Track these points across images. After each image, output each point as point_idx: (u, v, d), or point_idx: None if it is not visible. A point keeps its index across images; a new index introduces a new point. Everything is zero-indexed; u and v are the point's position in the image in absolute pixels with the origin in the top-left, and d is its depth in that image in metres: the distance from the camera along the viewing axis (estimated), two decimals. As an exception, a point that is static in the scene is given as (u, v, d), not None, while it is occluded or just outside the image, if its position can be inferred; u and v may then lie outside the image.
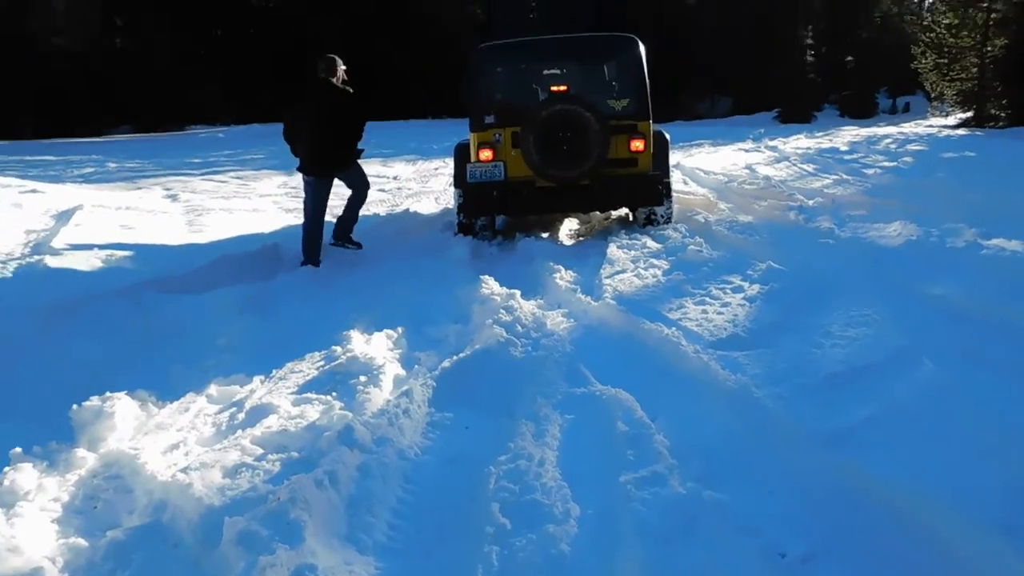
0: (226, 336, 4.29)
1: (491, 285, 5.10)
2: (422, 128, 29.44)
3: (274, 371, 3.89)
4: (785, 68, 40.71)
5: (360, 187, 7.10)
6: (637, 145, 7.03)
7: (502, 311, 4.41)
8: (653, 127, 7.19)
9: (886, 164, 13.21)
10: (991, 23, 31.48)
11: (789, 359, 3.60)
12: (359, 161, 6.91)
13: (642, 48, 7.22)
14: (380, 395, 3.42)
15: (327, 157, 6.54)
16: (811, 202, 8.68)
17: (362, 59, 35.57)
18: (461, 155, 7.44)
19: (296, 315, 4.92)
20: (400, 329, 4.58)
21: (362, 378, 3.58)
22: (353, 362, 3.76)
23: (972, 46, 32.13)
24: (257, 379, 3.80)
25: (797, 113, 37.28)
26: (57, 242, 5.89)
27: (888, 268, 5.27)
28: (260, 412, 3.30)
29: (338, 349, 4.05)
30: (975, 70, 31.92)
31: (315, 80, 6.50)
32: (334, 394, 3.48)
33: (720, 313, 4.39)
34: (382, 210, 9.86)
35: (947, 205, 7.76)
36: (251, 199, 10.68)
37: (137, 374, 3.71)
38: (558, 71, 7.50)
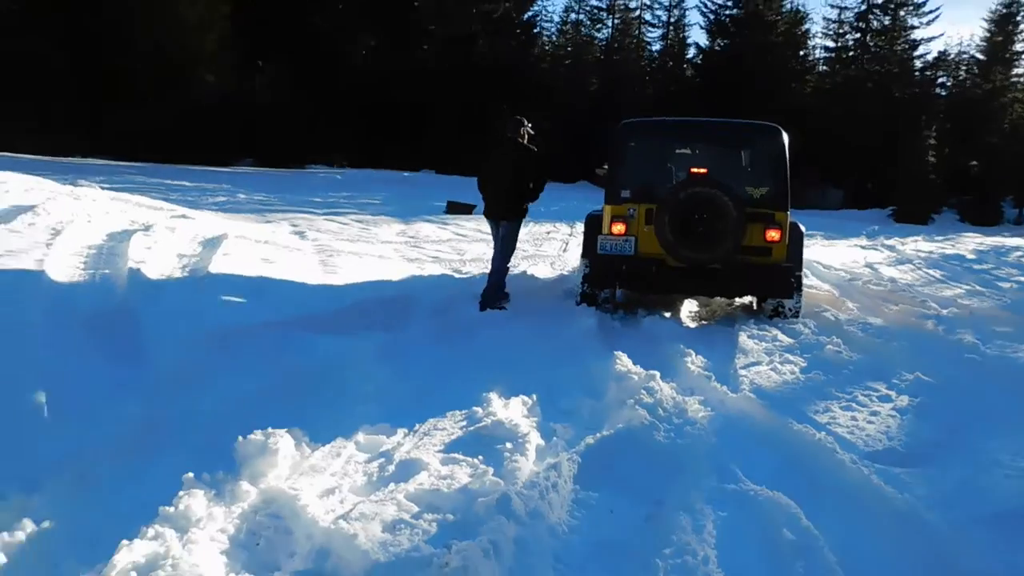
0: (371, 384, 4.38)
1: (625, 362, 5.05)
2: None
3: (417, 425, 3.93)
4: (904, 166, 39.69)
5: (506, 247, 7.50)
6: (773, 235, 6.92)
7: (643, 391, 4.35)
8: (790, 218, 7.09)
9: (1022, 279, 12.60)
10: None
11: (957, 483, 3.40)
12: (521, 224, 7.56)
13: (786, 138, 7.17)
14: (527, 465, 3.40)
15: (500, 206, 7.51)
16: (945, 311, 8.30)
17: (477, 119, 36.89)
18: (592, 225, 7.49)
19: (432, 369, 4.99)
20: (534, 397, 4.57)
21: (508, 445, 3.58)
22: (498, 427, 3.77)
23: None
24: (401, 431, 3.84)
25: (913, 213, 36.16)
26: (211, 268, 6.21)
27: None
28: (410, 467, 3.33)
29: (479, 411, 4.07)
30: None
31: (503, 139, 7.45)
32: (481, 458, 3.48)
33: (871, 422, 4.21)
34: (500, 269, 10.00)
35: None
36: (374, 244, 11.03)
37: (288, 413, 3.81)
38: (699, 154, 7.51)
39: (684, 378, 5.12)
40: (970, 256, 17.29)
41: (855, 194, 38.86)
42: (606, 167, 8.45)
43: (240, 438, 3.27)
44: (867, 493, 3.21)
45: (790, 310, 7.22)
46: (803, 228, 7.38)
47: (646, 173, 7.41)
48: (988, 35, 43.22)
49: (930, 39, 67.47)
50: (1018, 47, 43.42)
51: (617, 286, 7.34)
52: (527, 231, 15.96)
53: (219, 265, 6.55)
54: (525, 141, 7.41)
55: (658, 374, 4.66)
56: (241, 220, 12.31)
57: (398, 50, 36.78)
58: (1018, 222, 45.60)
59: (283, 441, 3.28)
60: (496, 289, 7.44)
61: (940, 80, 44.54)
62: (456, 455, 3.50)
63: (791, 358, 5.51)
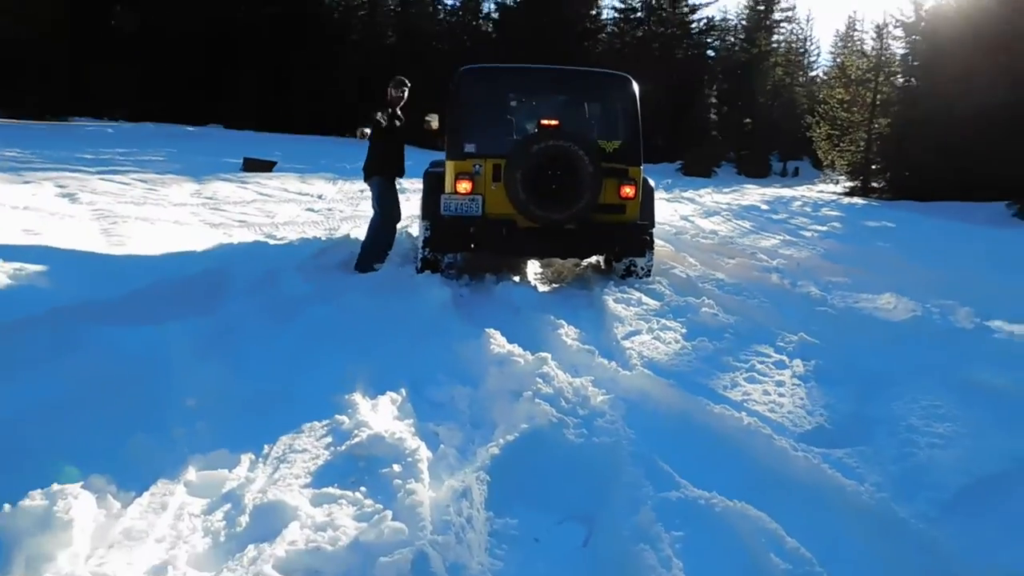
0: (193, 390, 3.35)
1: (500, 341, 4.38)
2: (324, 145, 28.26)
3: (266, 447, 3.01)
4: (690, 124, 42.15)
5: (377, 209, 7.31)
6: (628, 191, 6.51)
7: (538, 380, 3.68)
8: (642, 174, 6.71)
9: (819, 228, 13.41)
10: (877, 103, 33.73)
11: (897, 462, 3.07)
12: (386, 186, 7.26)
13: (636, 88, 6.74)
14: (425, 493, 2.62)
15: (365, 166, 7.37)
16: (775, 262, 8.45)
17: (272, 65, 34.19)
18: (432, 183, 6.69)
19: (267, 362, 4.01)
20: (403, 392, 3.78)
21: (395, 467, 2.77)
22: (376, 442, 2.94)
23: (861, 122, 34.31)
24: (246, 458, 2.90)
25: (699, 167, 38.55)
26: (-54, 248, 4.70)
27: (915, 348, 4.90)
28: (270, 514, 2.44)
29: (344, 419, 3.22)
30: (862, 144, 34.07)
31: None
32: (364, 489, 2.66)
33: (783, 395, 3.84)
34: (320, 233, 8.92)
35: (914, 279, 7.65)
36: (166, 207, 9.47)
37: (83, 445, 2.75)
38: (546, 104, 6.91)
39: (563, 355, 4.53)
40: (764, 207, 18.41)
41: (646, 150, 40.61)
42: (434, 117, 7.65)
43: (6, 507, 2.20)
44: (828, 489, 2.78)
45: (642, 269, 6.89)
46: (653, 183, 7.05)
47: (491, 125, 6.69)
48: (752, 3, 47.01)
49: (705, 4, 71.87)
50: (776, 16, 47.62)
51: (464, 250, 6.62)
52: (336, 188, 14.78)
53: (-39, 241, 5.04)
54: (403, 102, 7.24)
55: (549, 356, 4.01)
56: (-10, 181, 10.16)
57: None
58: (783, 174, 50.30)
59: (78, 502, 2.25)
60: (365, 251, 7.06)
61: (713, 44, 47.65)
62: (330, 489, 2.65)
63: (668, 324, 5.10)
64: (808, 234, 12.43)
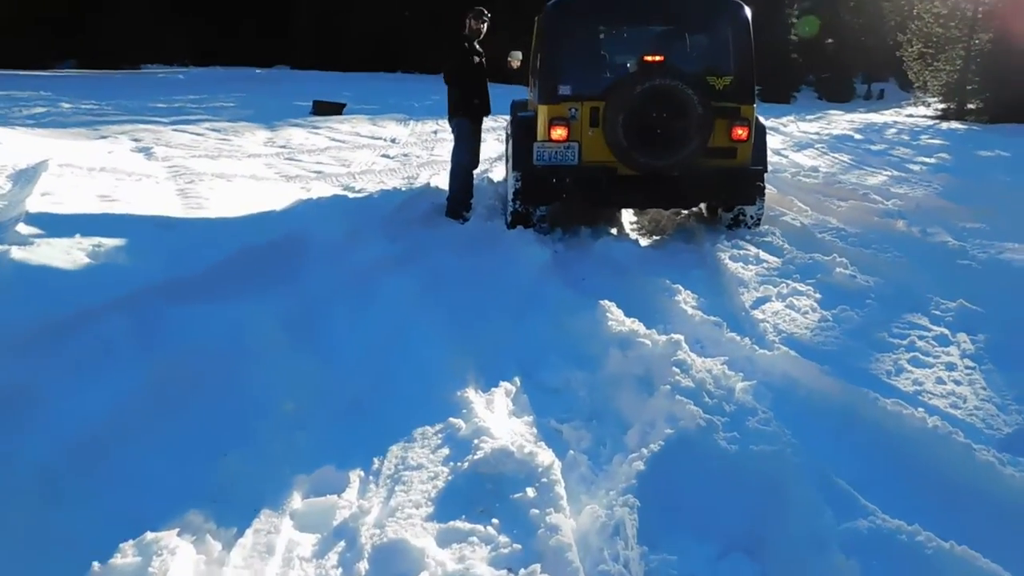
0: (284, 392, 2.98)
1: (619, 316, 3.90)
2: (390, 82, 27.72)
3: (376, 461, 2.63)
4: (768, 45, 39.90)
5: (455, 149, 6.91)
6: (740, 133, 5.85)
7: (675, 370, 3.21)
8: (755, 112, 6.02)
9: (926, 160, 12.36)
10: (979, 15, 31.13)
11: None
12: (472, 128, 6.90)
13: (749, 14, 6.00)
14: (567, 525, 2.21)
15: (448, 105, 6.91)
16: (889, 203, 7.68)
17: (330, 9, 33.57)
18: (521, 129, 6.15)
19: (360, 346, 3.64)
20: (516, 381, 3.36)
21: (528, 492, 2.37)
22: (502, 458, 2.53)
23: (959, 37, 31.80)
24: (355, 477, 2.53)
25: (777, 93, 36.65)
26: (22, 220, 4.44)
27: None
28: (392, 558, 2.07)
29: (459, 423, 2.82)
30: (959, 62, 31.64)
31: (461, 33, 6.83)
32: (496, 522, 2.26)
33: (961, 384, 3.28)
34: (399, 182, 8.51)
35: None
36: (241, 160, 9.18)
37: (174, 470, 2.43)
38: (648, 37, 6.22)
39: (685, 326, 4.03)
40: (858, 137, 17.17)
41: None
42: (516, 55, 7.07)
43: (95, 567, 1.87)
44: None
45: (752, 218, 6.27)
46: (765, 123, 6.35)
47: (587, 64, 6.06)
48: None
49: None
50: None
51: (558, 201, 6.11)
52: (409, 131, 14.33)
53: (38, 210, 4.78)
54: (481, 35, 6.81)
55: (682, 339, 3.52)
56: (68, 137, 10.05)
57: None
58: (868, 97, 47.58)
59: (175, 557, 1.91)
60: (454, 198, 6.81)
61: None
62: (458, 523, 2.26)
63: (798, 287, 4.53)
64: (916, 168, 11.44)
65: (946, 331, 3.84)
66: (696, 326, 4.05)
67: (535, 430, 2.95)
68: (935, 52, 32.27)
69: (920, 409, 2.92)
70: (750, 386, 3.26)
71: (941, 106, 33.11)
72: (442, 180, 8.18)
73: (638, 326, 3.76)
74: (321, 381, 3.18)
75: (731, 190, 5.98)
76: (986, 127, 23.57)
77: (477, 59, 6.77)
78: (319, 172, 8.70)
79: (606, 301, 4.03)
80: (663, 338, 3.52)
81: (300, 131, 12.88)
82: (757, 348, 3.66)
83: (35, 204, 4.91)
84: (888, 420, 2.89)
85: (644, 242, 6.17)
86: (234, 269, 4.41)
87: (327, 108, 16.46)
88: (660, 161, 5.64)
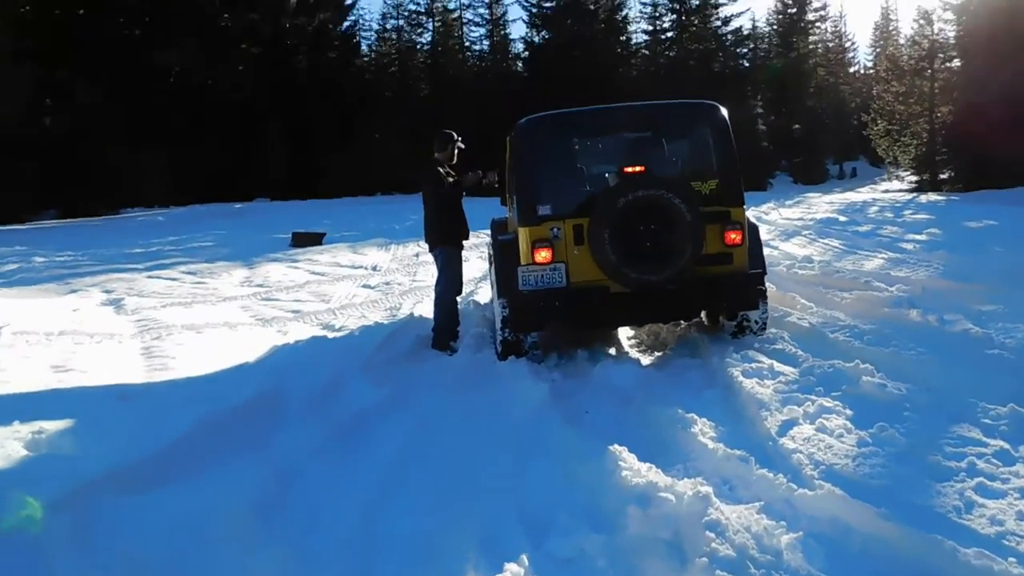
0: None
1: (634, 464, 3.43)
2: (369, 205, 27.91)
3: None
4: (739, 136, 40.70)
5: (442, 279, 6.64)
6: (734, 237, 5.54)
7: (709, 534, 2.72)
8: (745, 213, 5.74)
9: (917, 238, 12.18)
10: (936, 91, 32.11)
11: None
12: (454, 255, 6.67)
13: (726, 115, 5.80)
14: None
15: (428, 232, 6.74)
16: (894, 289, 7.33)
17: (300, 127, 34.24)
18: (504, 253, 5.83)
19: (340, 526, 3.13)
20: (524, 558, 2.85)
21: None
22: None
23: (921, 112, 32.68)
24: None
25: (754, 181, 37.24)
26: (-41, 409, 3.98)
27: None
28: None
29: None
30: (925, 136, 32.37)
31: (430, 159, 6.66)
32: None
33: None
34: (381, 314, 8.13)
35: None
36: (215, 305, 8.80)
37: None
38: (624, 147, 6.01)
39: (709, 465, 3.58)
40: (842, 219, 17.10)
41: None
42: (493, 176, 6.86)
43: None
44: None
45: (756, 323, 5.89)
46: (756, 223, 6.07)
47: (565, 180, 5.80)
48: (783, 6, 45.86)
49: (738, 14, 70.94)
50: (810, 16, 46.33)
51: (548, 327, 5.72)
52: (391, 255, 14.11)
53: (-21, 394, 4.34)
54: (454, 160, 6.69)
55: (712, 492, 3.04)
56: (34, 295, 9.68)
57: (212, 67, 33.37)
58: (841, 176, 48.49)
59: None
60: (440, 328, 6.51)
61: (748, 55, 46.45)
62: None
63: (824, 403, 4.08)
64: (910, 247, 11.22)
65: (1005, 445, 3.39)
66: (720, 463, 3.57)
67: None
68: (900, 128, 33.05)
69: (1012, 559, 2.43)
70: (797, 540, 2.78)
71: (914, 179, 33.64)
72: (426, 308, 7.81)
73: (657, 475, 3.28)
74: (292, 572, 2.66)
75: (732, 297, 5.62)
76: (964, 196, 23.78)
77: (451, 184, 6.54)
78: (297, 312, 8.32)
79: (616, 446, 3.55)
80: (689, 491, 3.04)
81: (278, 267, 12.61)
82: (795, 487, 3.18)
83: (-23, 386, 4.47)
84: (976, 582, 2.39)
85: (646, 360, 5.75)
86: (198, 441, 3.93)
87: (306, 239, 16.31)
88: (653, 275, 5.29)
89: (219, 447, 3.92)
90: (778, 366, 4.89)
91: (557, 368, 5.62)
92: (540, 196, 5.53)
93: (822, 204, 23.94)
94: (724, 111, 5.78)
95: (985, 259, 9.32)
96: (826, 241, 12.75)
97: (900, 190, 31.42)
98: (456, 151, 6.67)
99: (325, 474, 3.70)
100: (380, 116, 35.71)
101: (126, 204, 31.89)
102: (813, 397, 4.20)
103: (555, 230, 5.47)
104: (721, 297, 5.59)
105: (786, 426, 3.86)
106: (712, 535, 2.70)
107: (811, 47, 48.29)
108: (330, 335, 7.02)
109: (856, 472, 3.27)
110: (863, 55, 52.19)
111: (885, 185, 36.75)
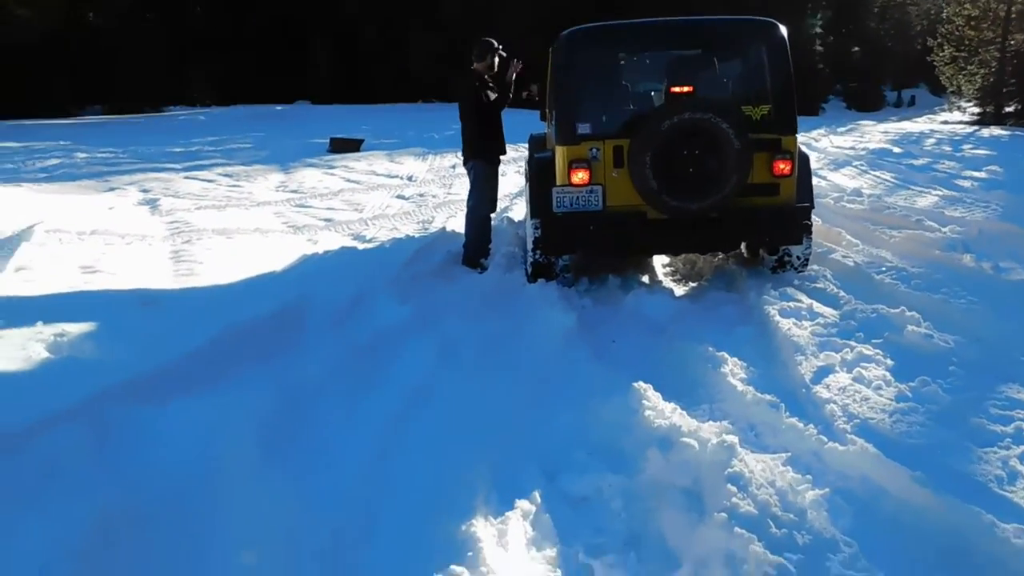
0: (248, 537, 2.43)
1: (657, 404, 3.30)
2: (409, 113, 27.43)
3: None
4: (794, 57, 39.00)
5: (472, 194, 6.46)
6: (783, 167, 5.24)
7: (730, 487, 2.60)
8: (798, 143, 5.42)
9: (976, 175, 11.59)
10: (1012, 15, 30.17)
11: None
12: (488, 171, 6.42)
13: (785, 35, 5.41)
14: None
15: (463, 146, 6.52)
16: (947, 230, 6.98)
17: (346, 35, 33.55)
18: (539, 172, 5.61)
19: (350, 459, 3.06)
20: (536, 495, 2.78)
21: None
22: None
23: (992, 39, 30.83)
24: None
25: (805, 105, 35.79)
26: (-16, 306, 3.98)
27: None
28: None
29: (462, 572, 2.25)
30: (995, 65, 30.63)
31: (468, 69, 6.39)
32: None
33: (1093, 492, 2.63)
34: (413, 227, 8.01)
35: None
36: (248, 209, 8.76)
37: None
38: (673, 66, 5.66)
39: (736, 409, 3.45)
40: (896, 150, 16.39)
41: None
42: (535, 88, 6.59)
43: None
44: None
45: (798, 259, 5.65)
46: (805, 151, 5.74)
47: (607, 98, 5.50)
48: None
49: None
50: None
51: (584, 251, 5.55)
52: (427, 166, 13.89)
53: (5, 292, 4.33)
54: (495, 70, 6.34)
55: (737, 442, 2.91)
56: (74, 192, 9.74)
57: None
58: (898, 104, 46.42)
59: None
60: (471, 245, 6.37)
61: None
62: None
63: (864, 350, 3.89)
64: (967, 184, 10.69)
65: (1060, 410, 3.19)
66: (748, 407, 3.44)
67: (559, 573, 2.37)
68: (968, 55, 31.31)
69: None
70: (823, 498, 2.65)
71: (976, 110, 32.08)
72: (459, 223, 7.65)
73: (681, 418, 3.16)
74: (294, 513, 2.61)
75: (775, 231, 5.37)
76: (1036, 131, 22.62)
77: (490, 96, 6.28)
78: (329, 220, 8.24)
79: (641, 384, 3.42)
80: (713, 438, 2.91)
81: (314, 172, 12.50)
82: (826, 440, 3.04)
83: (4, 284, 4.46)
84: (1014, 558, 2.25)
85: (679, 291, 5.58)
86: (218, 353, 3.89)
87: (344, 145, 16.14)
88: (694, 204, 5.05)
89: (237, 360, 3.88)
90: (817, 307, 4.68)
91: (587, 294, 5.48)
92: (580, 114, 5.26)
93: (876, 133, 22.99)
94: (783, 31, 5.38)
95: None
96: (877, 173, 12.22)
97: (961, 122, 30.04)
98: (497, 61, 6.38)
99: (339, 400, 3.61)
100: (425, 20, 34.73)
101: (169, 102, 31.90)
102: (852, 343, 4.01)
103: (594, 151, 5.23)
104: (764, 230, 5.34)
105: (821, 373, 3.69)
106: (734, 488, 2.59)
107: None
108: (360, 246, 6.93)
109: (892, 429, 3.11)
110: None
111: (945, 116, 35.17)
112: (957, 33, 31.70)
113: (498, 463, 3.04)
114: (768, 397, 3.45)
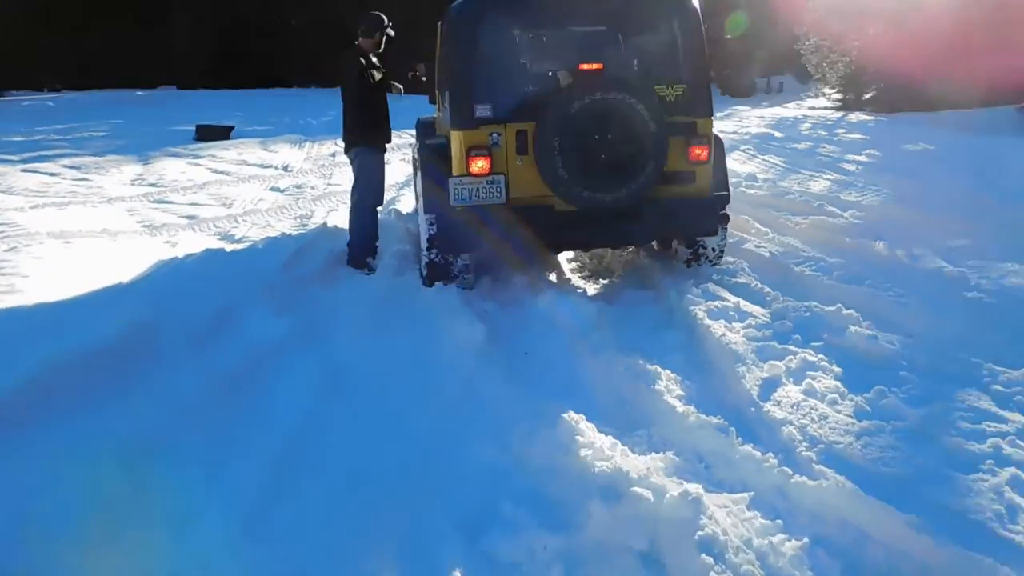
0: None
1: (589, 435, 2.77)
2: (285, 99, 25.93)
3: None
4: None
5: (355, 186, 5.77)
6: (699, 153, 4.82)
7: (705, 558, 2.08)
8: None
9: (858, 159, 11.75)
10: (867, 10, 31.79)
11: None
12: (373, 158, 5.74)
13: (699, 7, 4.98)
14: None
15: (344, 133, 5.78)
16: (847, 215, 6.87)
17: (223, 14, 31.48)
18: (433, 160, 4.97)
19: (203, 535, 2.37)
20: (457, 567, 2.19)
21: None
22: None
23: (851, 28, 32.37)
24: None
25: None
26: None
27: None
28: None
29: None
30: (854, 54, 32.17)
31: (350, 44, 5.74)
32: None
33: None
34: (290, 223, 7.18)
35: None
36: (96, 207, 7.65)
37: None
38: (578, 40, 5.13)
39: (678, 434, 2.96)
40: (777, 134, 16.63)
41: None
42: (422, 68, 5.95)
43: None
44: None
45: (713, 250, 5.30)
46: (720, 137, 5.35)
47: (507, 77, 4.91)
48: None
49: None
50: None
51: (484, 249, 4.95)
52: (304, 154, 12.92)
53: None
54: (381, 48, 5.72)
55: (701, 491, 2.39)
56: None
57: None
58: (767, 91, 48.28)
59: None
60: (356, 243, 5.70)
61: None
62: None
63: (808, 356, 3.50)
64: (851, 167, 10.79)
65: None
66: (692, 432, 2.96)
67: None
68: (831, 44, 32.74)
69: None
70: (803, 552, 2.19)
71: (839, 96, 33.65)
72: (341, 218, 6.91)
73: (624, 459, 2.64)
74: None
75: (694, 223, 4.94)
76: (891, 117, 23.72)
77: (376, 76, 5.58)
78: (192, 217, 7.28)
79: (572, 414, 2.88)
80: (671, 488, 2.39)
81: (177, 163, 11.32)
82: (790, 472, 2.59)
83: None
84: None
85: (592, 290, 5.08)
86: (29, 399, 3.04)
87: (212, 133, 14.84)
88: (608, 194, 4.55)
89: (55, 410, 3.04)
90: (745, 305, 4.28)
91: (491, 297, 4.90)
92: (478, 94, 4.64)
93: (753, 118, 23.43)
94: (696, 2, 4.94)
95: (932, 186, 8.91)
96: (766, 158, 12.23)
97: (826, 107, 31.32)
98: (384, 39, 5.68)
99: (192, 459, 2.87)
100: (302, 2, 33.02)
101: (13, 86, 28.91)
102: (793, 348, 3.61)
103: (494, 136, 4.63)
104: (683, 223, 4.91)
105: (768, 386, 3.26)
106: (708, 559, 2.07)
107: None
108: (228, 247, 6.06)
109: (863, 455, 2.69)
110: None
111: (811, 102, 36.61)
112: (821, 23, 33.08)
113: (405, 527, 2.42)
114: (714, 419, 2.98)
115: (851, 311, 3.93)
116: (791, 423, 2.93)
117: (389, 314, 4.45)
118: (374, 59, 5.65)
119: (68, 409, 3.02)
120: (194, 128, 15.13)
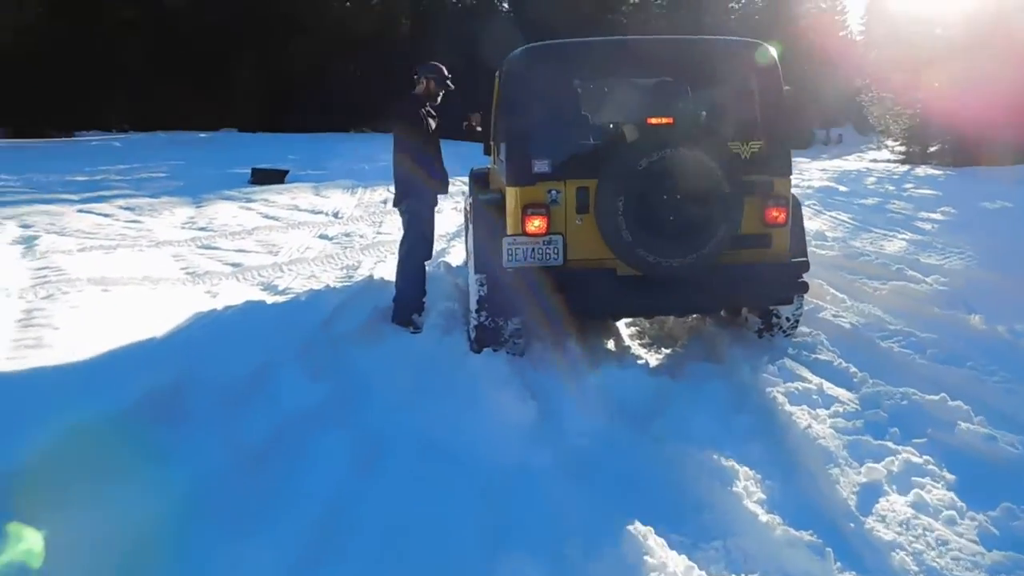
0: None
1: (661, 556, 2.34)
2: (340, 143, 26.18)
3: None
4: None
5: (404, 240, 5.52)
6: (776, 215, 4.41)
7: None
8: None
9: (933, 216, 11.14)
10: (931, 61, 31.04)
11: None
12: (426, 213, 5.49)
13: (777, 60, 4.61)
14: None
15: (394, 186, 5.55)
16: (930, 280, 6.33)
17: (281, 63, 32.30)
18: (486, 217, 4.65)
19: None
20: None
21: None
22: None
23: (915, 82, 31.59)
24: None
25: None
26: None
27: None
28: None
29: None
30: (919, 106, 31.34)
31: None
32: None
33: None
34: (335, 275, 6.92)
35: None
36: (143, 251, 7.53)
37: None
38: (646, 94, 4.80)
39: (761, 550, 2.53)
40: (842, 188, 16.07)
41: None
42: (477, 117, 5.69)
43: None
44: None
45: (788, 320, 4.83)
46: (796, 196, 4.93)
47: (567, 130, 4.59)
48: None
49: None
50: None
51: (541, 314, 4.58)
52: (356, 200, 12.81)
53: None
54: (438, 100, 5.46)
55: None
56: (-64, 227, 8.33)
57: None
58: (827, 142, 47.48)
59: None
60: (402, 299, 5.42)
61: (738, 8, 45.06)
62: None
63: (912, 458, 3.02)
64: (927, 226, 10.20)
65: None
66: (779, 550, 2.50)
67: None
68: (895, 96, 31.96)
69: None
70: None
71: (903, 149, 32.71)
72: (389, 270, 6.63)
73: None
74: None
75: (768, 291, 4.50)
76: (960, 171, 22.89)
77: (431, 125, 5.35)
78: (237, 265, 7.09)
79: (639, 525, 2.46)
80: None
81: (230, 207, 11.28)
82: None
83: None
84: None
85: (654, 361, 4.66)
86: (41, 472, 2.76)
87: (267, 176, 14.93)
88: (675, 259, 4.15)
89: (62, 485, 2.75)
90: (829, 387, 3.81)
91: (542, 366, 4.50)
92: (536, 149, 4.32)
93: (814, 171, 22.84)
94: (774, 53, 4.58)
95: (1015, 247, 8.30)
96: (833, 214, 11.70)
97: (889, 160, 30.50)
98: (442, 93, 5.45)
99: (209, 545, 2.54)
100: (359, 52, 33.70)
101: (82, 127, 29.90)
102: (892, 445, 3.14)
103: (553, 193, 4.29)
104: (756, 291, 4.48)
105: (867, 495, 2.79)
106: None
107: (804, 8, 47.06)
108: (269, 299, 5.82)
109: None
110: (855, 20, 50.80)
111: (873, 154, 35.77)
112: (883, 75, 32.40)
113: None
114: (805, 535, 2.53)
115: (958, 402, 3.43)
116: (902, 547, 2.46)
117: (432, 381, 4.10)
118: (431, 109, 5.42)
119: (64, 490, 2.71)
120: (250, 171, 15.25)
